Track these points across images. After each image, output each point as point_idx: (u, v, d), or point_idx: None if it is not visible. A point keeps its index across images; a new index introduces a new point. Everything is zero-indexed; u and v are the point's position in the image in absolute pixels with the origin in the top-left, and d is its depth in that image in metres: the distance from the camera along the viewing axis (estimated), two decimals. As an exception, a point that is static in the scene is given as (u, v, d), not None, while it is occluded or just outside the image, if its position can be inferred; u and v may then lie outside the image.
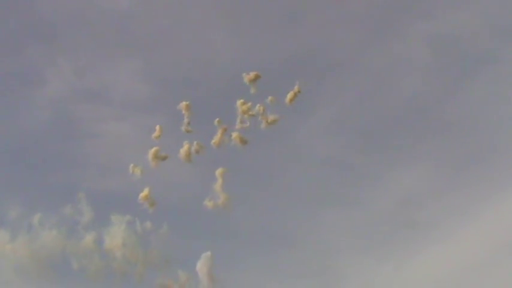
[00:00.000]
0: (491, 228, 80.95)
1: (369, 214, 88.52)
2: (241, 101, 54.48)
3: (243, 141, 54.92)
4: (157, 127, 55.04)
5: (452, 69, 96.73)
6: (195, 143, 54.94)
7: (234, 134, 54.60)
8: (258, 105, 54.74)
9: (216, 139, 54.26)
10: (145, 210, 53.75)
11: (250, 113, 54.13)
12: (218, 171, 54.98)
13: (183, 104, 54.66)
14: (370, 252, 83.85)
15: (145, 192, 53.60)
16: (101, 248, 53.68)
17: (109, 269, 53.41)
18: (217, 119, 54.96)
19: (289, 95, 54.04)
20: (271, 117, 54.04)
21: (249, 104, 54.51)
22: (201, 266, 54.44)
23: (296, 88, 54.31)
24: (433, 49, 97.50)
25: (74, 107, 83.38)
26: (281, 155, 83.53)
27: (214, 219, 69.86)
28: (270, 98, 54.85)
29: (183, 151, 54.57)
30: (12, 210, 53.65)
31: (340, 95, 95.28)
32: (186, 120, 54.60)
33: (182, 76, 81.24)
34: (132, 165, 54.59)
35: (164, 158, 54.64)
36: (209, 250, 56.67)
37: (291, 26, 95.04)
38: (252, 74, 54.21)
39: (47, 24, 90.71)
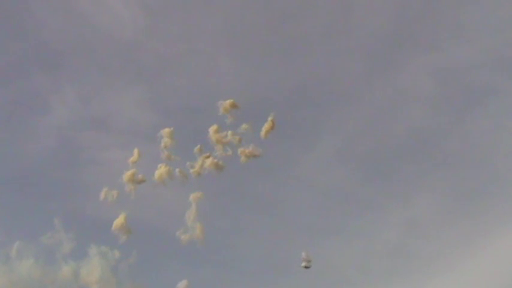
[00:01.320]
0: (496, 260, 79.25)
1: (371, 244, 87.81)
2: (214, 128, 53.98)
3: (219, 168, 54.01)
4: (135, 151, 54.76)
5: (456, 101, 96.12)
6: (177, 169, 54.41)
7: (209, 161, 53.70)
8: (231, 133, 54.14)
9: (196, 166, 54.03)
10: (122, 239, 52.88)
11: (223, 140, 53.60)
12: (192, 197, 54.44)
13: (166, 130, 54.69)
14: (372, 282, 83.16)
15: (120, 219, 53.06)
16: (78, 280, 53.06)
17: None
18: (198, 146, 54.53)
19: (264, 128, 53.73)
20: (251, 150, 53.82)
21: (226, 132, 54.12)
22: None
23: (270, 121, 53.84)
24: (437, 81, 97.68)
25: (78, 134, 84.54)
26: (283, 183, 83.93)
27: (214, 248, 70.68)
28: (244, 126, 54.19)
29: (158, 173, 53.97)
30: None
31: (344, 125, 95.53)
32: (165, 145, 54.43)
33: (186, 104, 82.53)
34: (105, 189, 54.12)
35: (141, 182, 54.02)
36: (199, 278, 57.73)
37: (297, 56, 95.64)
38: (227, 102, 53.72)
39: (52, 52, 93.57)
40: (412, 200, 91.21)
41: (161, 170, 53.71)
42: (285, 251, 75.65)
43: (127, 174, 53.81)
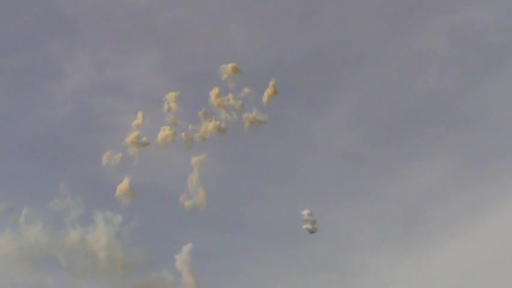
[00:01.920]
0: (510, 223, 79.33)
1: (386, 208, 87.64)
2: (216, 92, 53.22)
3: (221, 131, 53.15)
4: (140, 114, 54.23)
5: (473, 62, 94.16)
6: (182, 133, 53.77)
7: (211, 124, 53.00)
8: (232, 97, 53.24)
9: (200, 130, 53.19)
10: (126, 203, 52.92)
11: (225, 104, 52.74)
12: (195, 160, 53.88)
13: (171, 94, 54.15)
14: (388, 246, 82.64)
15: (124, 183, 52.95)
16: (85, 246, 53.31)
17: (94, 267, 53.15)
18: (202, 110, 53.91)
19: (266, 93, 53.12)
20: (255, 116, 53.28)
21: (228, 96, 53.21)
22: (181, 259, 53.82)
23: (271, 86, 53.35)
24: (453, 42, 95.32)
25: (93, 100, 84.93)
26: (299, 148, 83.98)
27: (223, 213, 70.99)
28: (246, 90, 53.17)
29: (161, 135, 53.48)
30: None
31: (359, 88, 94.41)
32: (168, 109, 53.76)
33: (201, 69, 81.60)
34: (108, 153, 53.90)
35: (145, 145, 53.53)
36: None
37: (311, 20, 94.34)
38: (229, 67, 52.80)
39: (66, 18, 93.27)
40: (427, 163, 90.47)
41: (165, 132, 53.17)
42: (297, 216, 75.28)
43: (130, 137, 53.43)
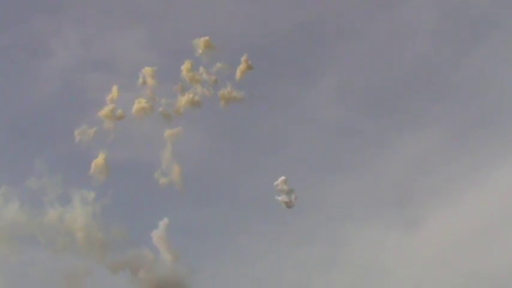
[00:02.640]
0: (500, 191, 79.04)
1: (375, 180, 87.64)
2: (188, 66, 52.15)
3: (195, 104, 51.97)
4: (114, 88, 53.04)
5: (460, 33, 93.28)
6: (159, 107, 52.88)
7: (185, 98, 51.92)
8: (204, 71, 52.24)
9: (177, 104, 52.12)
10: (101, 180, 52.17)
11: (197, 78, 51.75)
12: (168, 134, 52.71)
13: (147, 69, 52.79)
14: (376, 218, 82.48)
15: (99, 159, 52.07)
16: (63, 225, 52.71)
17: (73, 246, 52.71)
18: (179, 85, 52.61)
19: (239, 69, 52.17)
20: (232, 93, 52.54)
21: (201, 70, 52.00)
22: (158, 235, 53.54)
23: (244, 61, 52.52)
24: (441, 13, 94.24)
25: (81, 76, 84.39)
26: (286, 121, 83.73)
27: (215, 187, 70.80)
28: (218, 65, 52.06)
29: (136, 107, 52.43)
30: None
31: (346, 61, 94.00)
32: (143, 82, 52.89)
33: (188, 45, 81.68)
34: (82, 127, 52.64)
35: (120, 118, 52.49)
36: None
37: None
38: (201, 40, 51.45)
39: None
40: (416, 134, 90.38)
41: (140, 105, 52.22)
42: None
43: (104, 111, 52.45)
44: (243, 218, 79.82)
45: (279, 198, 49.84)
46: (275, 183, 49.98)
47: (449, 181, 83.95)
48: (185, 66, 52.12)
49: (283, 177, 50.06)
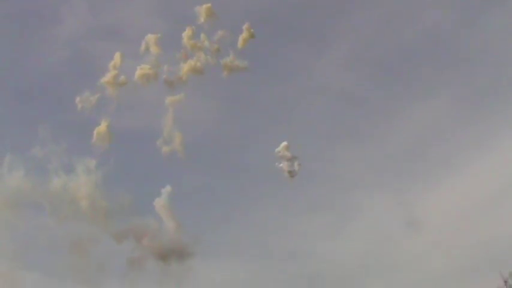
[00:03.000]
0: (507, 160, 78.95)
1: (384, 149, 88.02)
2: (189, 33, 50.92)
3: (198, 71, 50.65)
4: (117, 54, 52.03)
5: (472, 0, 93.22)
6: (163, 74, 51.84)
7: (187, 64, 50.64)
8: (205, 38, 50.88)
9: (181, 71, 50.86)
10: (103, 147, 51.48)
11: (198, 45, 50.51)
12: (169, 100, 51.72)
13: (150, 36, 51.60)
14: (385, 186, 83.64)
15: (102, 126, 51.19)
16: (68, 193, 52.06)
17: (78, 214, 52.07)
18: (182, 52, 51.32)
19: (242, 38, 51.28)
20: (235, 63, 51.74)
21: (202, 38, 50.75)
22: (161, 203, 52.34)
23: (246, 30, 51.57)
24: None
25: (90, 44, 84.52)
26: (296, 89, 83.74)
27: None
28: (220, 33, 50.75)
29: (138, 74, 51.27)
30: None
31: (357, 29, 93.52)
32: (146, 50, 51.62)
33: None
34: (86, 93, 51.72)
35: (123, 84, 51.53)
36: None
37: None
38: (203, 8, 50.03)
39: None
40: (426, 102, 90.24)
41: (142, 71, 51.32)
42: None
43: (107, 77, 51.63)
44: (250, 186, 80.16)
45: (280, 165, 47.63)
46: (276, 149, 47.93)
47: (459, 148, 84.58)
48: (186, 33, 51.23)
49: (285, 143, 48.09)
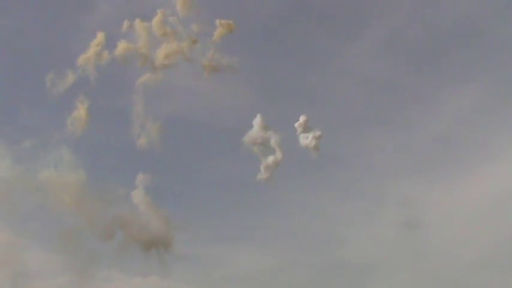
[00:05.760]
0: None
1: (418, 136, 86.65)
2: (159, 18, 49.81)
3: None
4: (100, 35, 51.57)
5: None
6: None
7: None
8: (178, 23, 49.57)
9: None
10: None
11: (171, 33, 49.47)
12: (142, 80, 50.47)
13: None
14: (419, 174, 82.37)
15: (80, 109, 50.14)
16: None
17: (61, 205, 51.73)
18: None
19: (216, 33, 48.62)
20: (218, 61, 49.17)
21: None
22: (139, 193, 51.57)
23: (220, 25, 48.77)
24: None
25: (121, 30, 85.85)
26: (328, 75, 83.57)
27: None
28: (195, 26, 49.12)
29: (119, 49, 50.51)
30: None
31: (389, 14, 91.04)
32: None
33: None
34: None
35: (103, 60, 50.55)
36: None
37: None
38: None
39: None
40: (459, 89, 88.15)
41: (122, 45, 50.77)
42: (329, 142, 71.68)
43: (87, 54, 51.02)
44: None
45: (301, 141, 46.44)
46: (296, 124, 46.63)
47: (492, 136, 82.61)
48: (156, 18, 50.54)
49: (304, 117, 46.87)
